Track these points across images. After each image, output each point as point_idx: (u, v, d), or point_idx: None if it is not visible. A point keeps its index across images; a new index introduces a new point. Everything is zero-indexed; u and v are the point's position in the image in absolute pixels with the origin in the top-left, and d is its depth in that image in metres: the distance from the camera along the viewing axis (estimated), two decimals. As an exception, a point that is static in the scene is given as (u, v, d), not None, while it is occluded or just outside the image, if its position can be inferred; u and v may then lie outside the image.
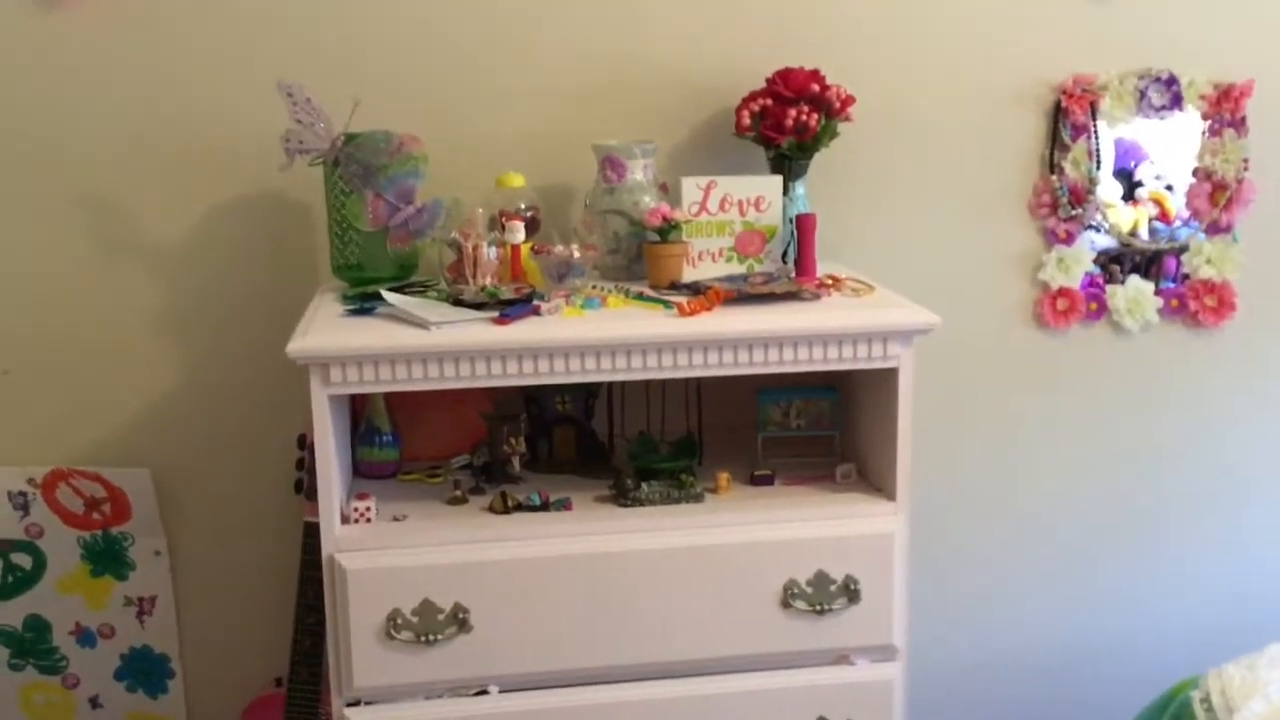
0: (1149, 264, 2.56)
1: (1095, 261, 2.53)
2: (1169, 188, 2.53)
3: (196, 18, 2.25)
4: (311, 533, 2.27)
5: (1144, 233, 2.54)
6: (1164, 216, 2.54)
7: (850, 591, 2.00)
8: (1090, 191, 2.48)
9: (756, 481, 2.13)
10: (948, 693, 2.62)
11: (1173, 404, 2.62)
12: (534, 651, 1.96)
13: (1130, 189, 2.52)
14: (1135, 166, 2.51)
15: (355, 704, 1.95)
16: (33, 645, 2.41)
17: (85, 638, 2.42)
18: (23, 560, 2.38)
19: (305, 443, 2.31)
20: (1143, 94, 2.47)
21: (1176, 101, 2.47)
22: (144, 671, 2.45)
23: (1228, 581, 2.69)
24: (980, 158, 2.47)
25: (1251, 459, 2.67)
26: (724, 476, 2.10)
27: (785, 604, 1.99)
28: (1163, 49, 2.48)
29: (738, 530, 2.00)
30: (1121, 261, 2.55)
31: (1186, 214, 2.53)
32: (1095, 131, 2.46)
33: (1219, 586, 2.69)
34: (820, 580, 2.00)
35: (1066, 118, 2.46)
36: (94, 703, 2.45)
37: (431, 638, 1.91)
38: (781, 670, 2.02)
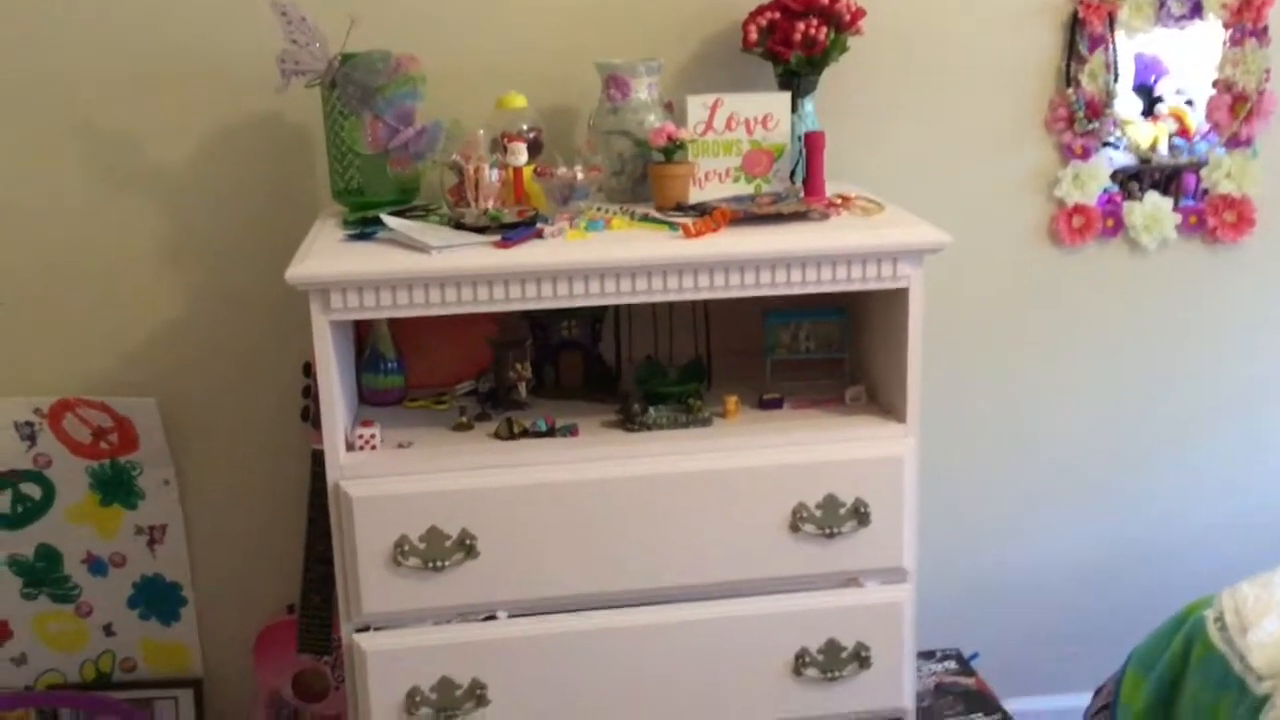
0: (1168, 181, 2.50)
1: (1113, 179, 2.47)
2: (1189, 103, 2.47)
3: (188, -64, 2.20)
4: (320, 460, 2.25)
5: (1164, 149, 2.48)
6: (1184, 132, 2.48)
7: (860, 514, 1.98)
8: (1108, 105, 2.41)
9: (765, 405, 2.10)
10: (957, 614, 2.62)
11: (1189, 322, 2.58)
12: (542, 577, 1.95)
13: (1150, 105, 2.46)
14: (1155, 81, 2.45)
15: (364, 629, 1.95)
16: (45, 574, 2.42)
17: (96, 566, 2.43)
18: (32, 490, 2.39)
19: (311, 370, 2.29)
20: (1162, 3, 2.39)
21: (1197, 10, 2.40)
22: (156, 599, 2.46)
23: (1243, 500, 2.67)
24: (994, 71, 2.41)
25: (1269, 376, 2.63)
26: (732, 400, 2.07)
27: (794, 527, 1.98)
28: (1183, -44, 2.40)
29: (746, 454, 1.98)
30: (1140, 179, 2.49)
31: (1206, 128, 2.47)
32: (1113, 43, 2.40)
33: (1233, 506, 2.67)
34: (829, 503, 1.98)
35: (1083, 28, 2.39)
36: (107, 630, 2.47)
37: (439, 564, 1.91)
38: (791, 593, 2.01)
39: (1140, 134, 2.46)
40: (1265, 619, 1.98)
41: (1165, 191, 2.50)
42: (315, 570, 2.35)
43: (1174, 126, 2.47)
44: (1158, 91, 2.45)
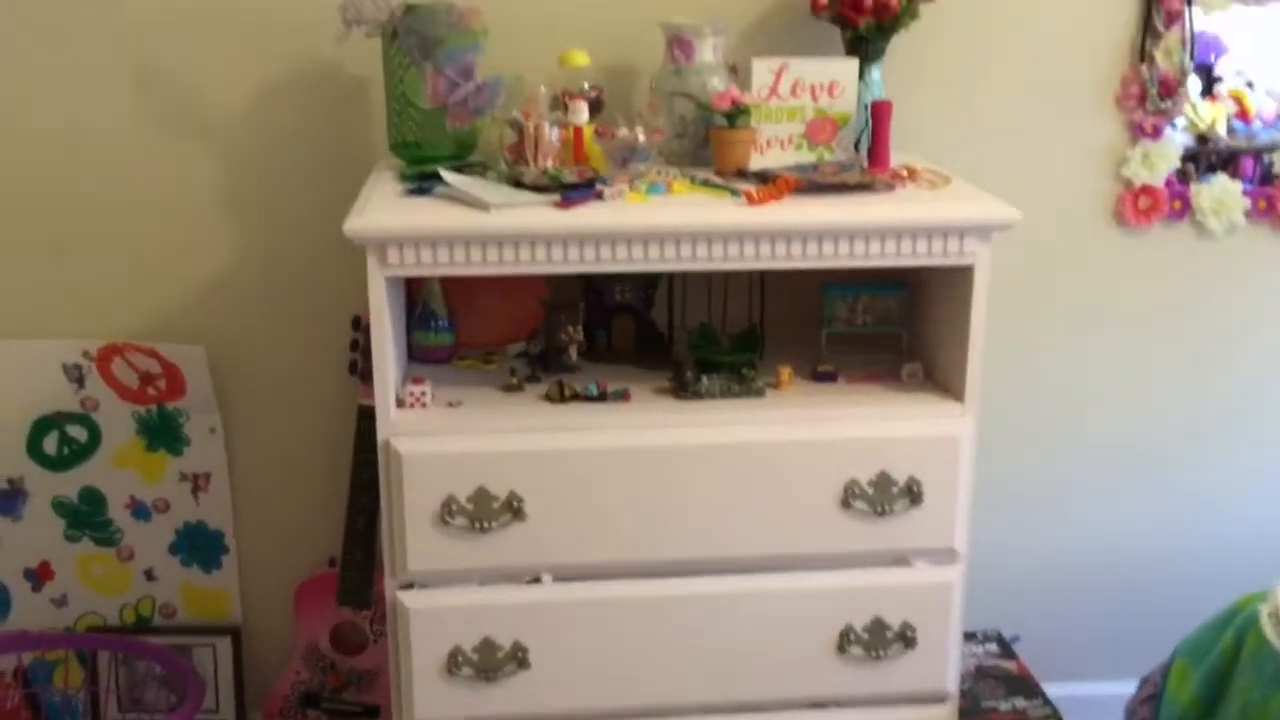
0: (1225, 164, 2.44)
1: (1178, 160, 2.42)
2: (1249, 84, 2.40)
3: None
4: (365, 414, 2.26)
5: (1222, 130, 2.41)
6: (1243, 115, 2.41)
7: (913, 494, 1.95)
8: (1181, 83, 2.35)
9: (819, 378, 2.07)
10: (1000, 595, 2.59)
11: (1255, 309, 2.53)
12: (589, 542, 1.94)
13: (1209, 84, 2.39)
14: (1215, 60, 2.38)
15: (409, 587, 1.94)
16: (89, 517, 2.43)
17: (140, 511, 2.44)
18: (78, 432, 2.39)
19: (360, 324, 2.28)
20: (1243, -21, 2.33)
21: (1280, -11, 2.33)
22: (198, 546, 2.47)
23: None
24: (1066, 45, 2.36)
25: (1336, 366, 2.58)
26: (786, 371, 2.04)
27: (845, 504, 1.95)
28: (1268, -68, 2.33)
29: (799, 427, 1.95)
30: (1197, 160, 2.43)
31: (1271, 114, 2.40)
32: (1190, 19, 2.33)
33: (1293, 499, 2.63)
34: (882, 481, 1.95)
35: (1160, 4, 2.33)
36: (149, 575, 2.47)
37: (486, 525, 1.90)
38: (839, 570, 1.99)
39: (1200, 114, 2.40)
40: (1323, 616, 1.94)
41: (1222, 173, 2.43)
42: (358, 524, 2.35)
43: (1233, 108, 2.41)
44: (1217, 71, 2.39)
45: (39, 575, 2.45)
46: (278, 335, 2.39)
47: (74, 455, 2.40)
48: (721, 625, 1.98)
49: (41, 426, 2.38)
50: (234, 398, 2.41)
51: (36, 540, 2.43)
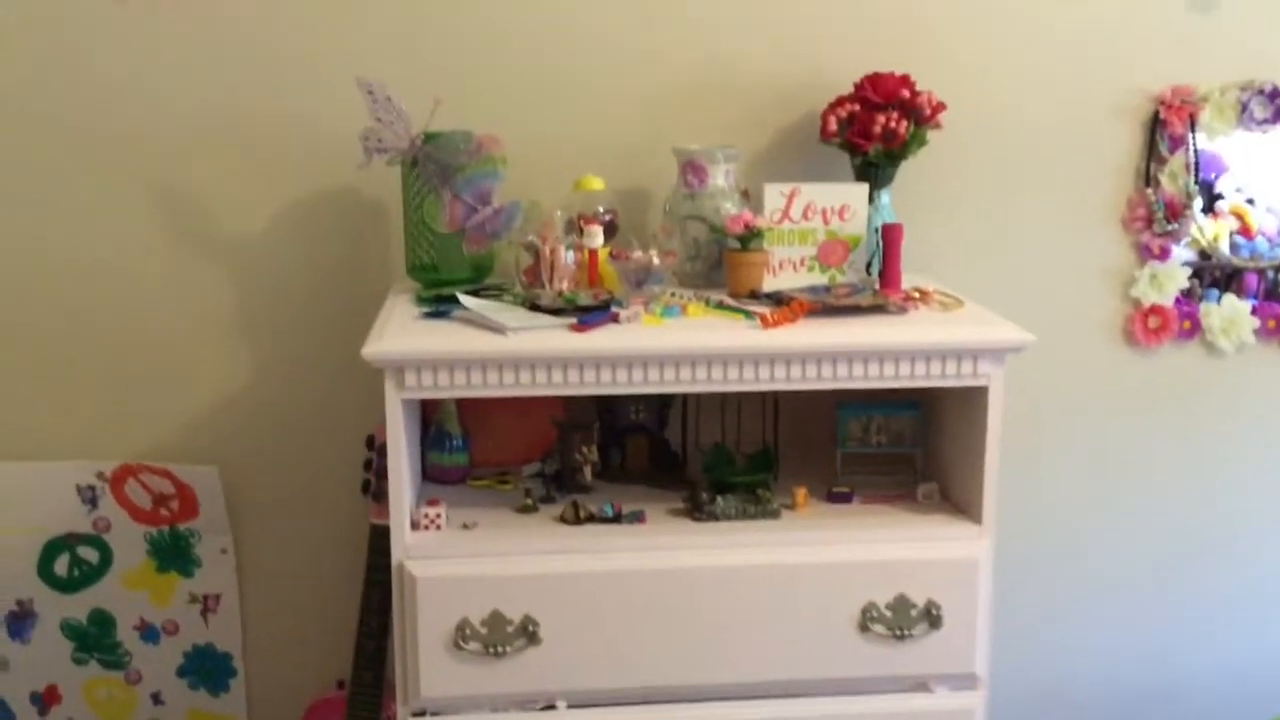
0: (1229, 280, 2.46)
1: (1180, 278, 2.44)
2: (1250, 201, 2.43)
3: (278, 10, 2.23)
4: (378, 535, 2.24)
5: (1225, 247, 2.44)
6: (1245, 231, 2.44)
7: (932, 617, 1.93)
8: (1187, 206, 2.39)
9: (834, 498, 2.07)
10: (1020, 718, 2.54)
11: (1266, 427, 2.53)
12: (604, 667, 1.91)
13: (1210, 201, 2.42)
14: (1215, 178, 2.42)
15: (421, 714, 1.91)
16: (97, 640, 2.40)
17: (149, 634, 2.41)
18: (89, 554, 2.38)
19: (374, 443, 2.28)
20: (1244, 106, 2.37)
21: (1279, 115, 2.38)
22: (206, 669, 2.43)
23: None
24: (1073, 168, 2.40)
25: (1348, 486, 2.57)
26: (802, 492, 2.04)
27: (863, 627, 1.93)
28: (1266, 61, 2.39)
29: (816, 549, 1.94)
30: (1200, 276, 2.45)
31: (1273, 230, 2.43)
32: (1194, 144, 2.37)
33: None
34: (900, 604, 1.93)
35: (1164, 129, 2.38)
36: (156, 699, 2.44)
37: (500, 649, 1.87)
38: (858, 695, 1.96)
39: (1202, 231, 2.43)
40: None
41: (1225, 290, 2.46)
42: (367, 646, 2.32)
43: (1235, 224, 2.44)
44: (1218, 188, 2.42)
45: (45, 699, 2.41)
46: (291, 455, 2.39)
47: (84, 577, 2.38)
48: (739, 753, 1.94)
49: (53, 548, 2.37)
50: (246, 518, 2.40)
51: (44, 663, 2.40)
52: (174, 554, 2.38)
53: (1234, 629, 2.60)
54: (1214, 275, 2.46)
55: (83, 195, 2.28)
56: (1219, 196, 2.43)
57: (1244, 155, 2.41)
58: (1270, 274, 2.46)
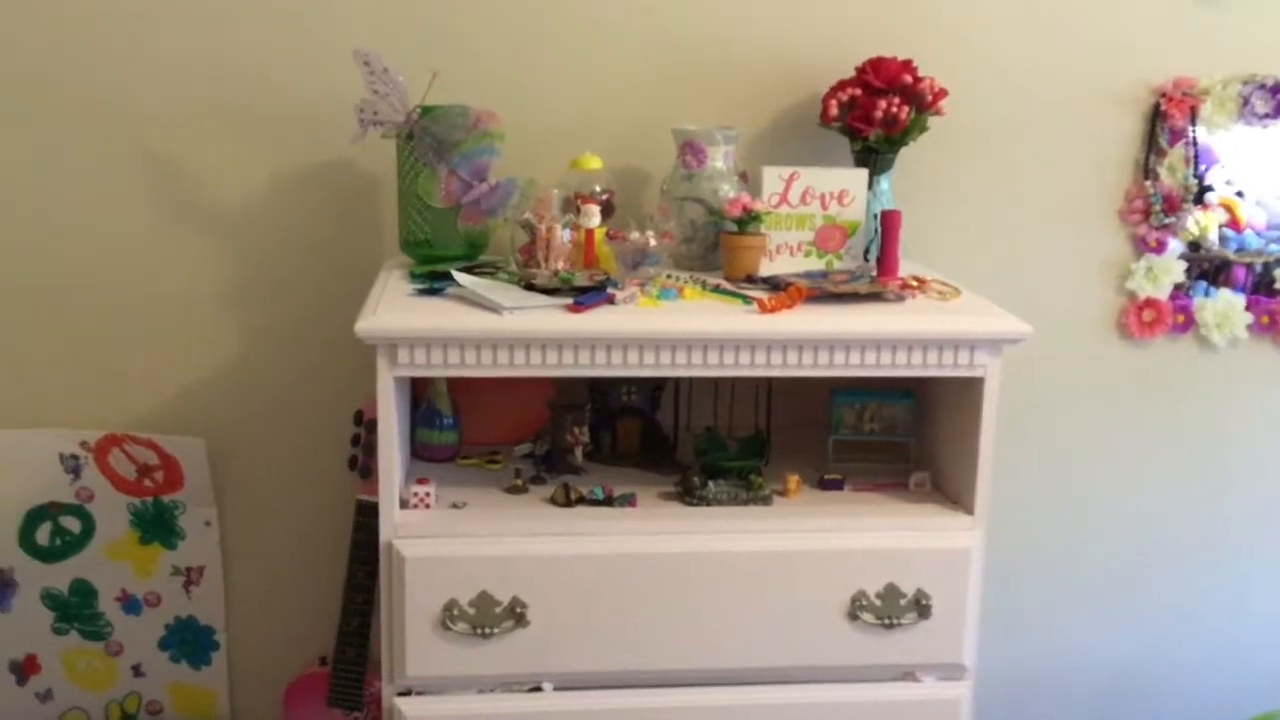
0: (1217, 272, 2.46)
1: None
2: (1239, 194, 2.42)
3: (274, -21, 2.20)
4: (364, 511, 2.23)
5: (1214, 238, 2.43)
6: (1234, 224, 2.44)
7: (921, 606, 1.92)
8: (1185, 199, 2.38)
9: (826, 485, 2.06)
10: (1011, 711, 2.55)
11: (1259, 422, 2.53)
12: (591, 650, 1.90)
13: (1200, 193, 2.42)
14: (1205, 171, 2.40)
15: (406, 693, 1.90)
16: (78, 610, 2.38)
17: (131, 605, 2.39)
18: (71, 524, 2.35)
19: (362, 419, 2.26)
20: (1246, 100, 2.36)
21: (1280, 110, 2.37)
22: (188, 642, 2.42)
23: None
24: (1072, 159, 2.39)
25: (1337, 482, 2.57)
26: (794, 479, 2.03)
27: (852, 615, 1.92)
28: (1269, 55, 2.37)
29: (807, 537, 1.93)
30: (1190, 267, 2.45)
31: (1279, 224, 2.42)
32: (1194, 137, 2.36)
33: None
34: (890, 593, 1.92)
35: (1165, 121, 2.37)
36: (136, 671, 2.42)
37: (488, 630, 1.86)
38: (845, 684, 1.95)
39: (1197, 222, 2.42)
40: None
41: (1214, 282, 2.45)
42: (351, 623, 2.30)
43: (1224, 217, 2.43)
44: (1208, 180, 2.41)
45: (24, 668, 2.39)
46: (278, 429, 2.37)
47: (66, 547, 2.36)
48: (725, 738, 1.94)
49: (35, 517, 2.34)
50: (231, 491, 2.38)
51: (24, 632, 2.37)
52: (157, 525, 2.36)
53: (1226, 621, 2.61)
54: (1202, 267, 2.45)
55: (71, 164, 2.25)
56: (1209, 189, 2.42)
57: (1235, 148, 2.40)
58: (1258, 268, 2.46)
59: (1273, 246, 2.44)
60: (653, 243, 2.01)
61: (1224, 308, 2.45)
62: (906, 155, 2.22)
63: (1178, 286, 2.44)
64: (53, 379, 2.31)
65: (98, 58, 2.21)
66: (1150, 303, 2.44)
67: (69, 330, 2.30)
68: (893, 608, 1.93)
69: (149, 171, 2.26)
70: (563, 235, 1.99)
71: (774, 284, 2.01)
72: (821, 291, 1.95)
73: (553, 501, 1.97)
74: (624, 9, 2.25)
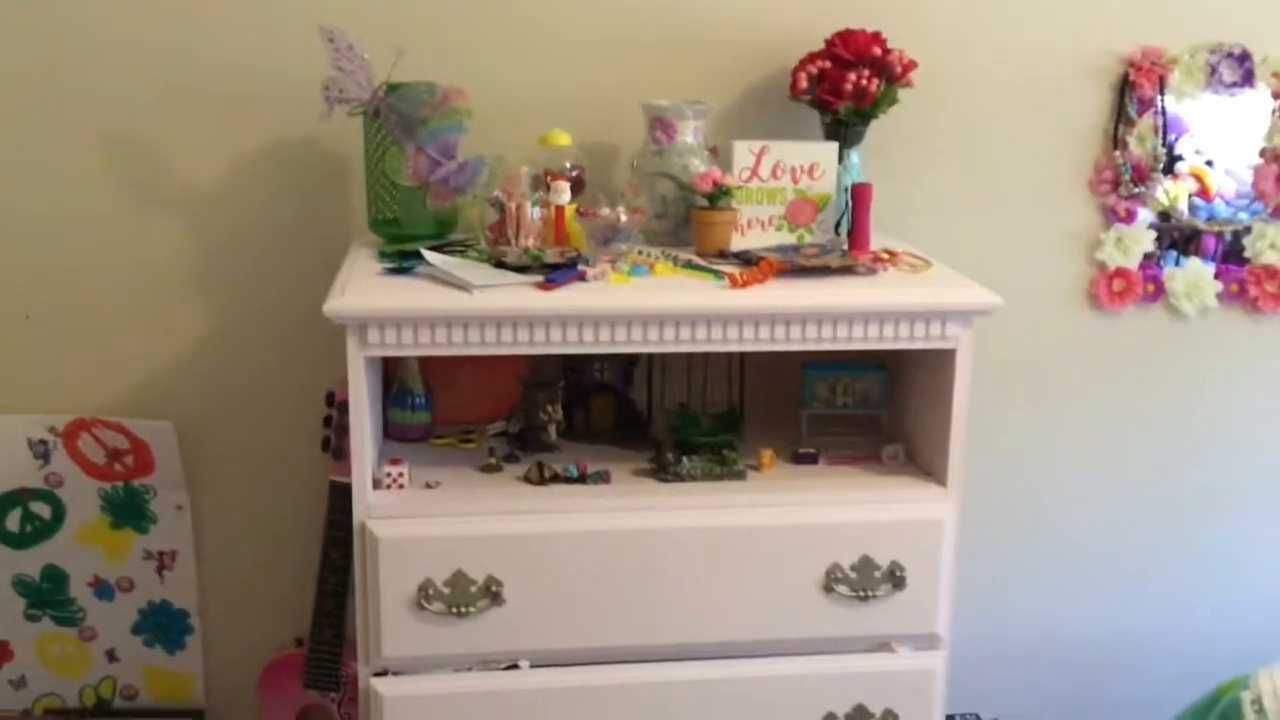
0: (1187, 241, 2.46)
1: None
2: (1209, 163, 2.43)
3: (235, -45, 2.17)
4: (337, 492, 2.21)
5: (1184, 207, 2.44)
6: (1204, 193, 2.45)
7: (895, 578, 1.93)
8: (1154, 169, 2.39)
9: (800, 459, 2.06)
10: (986, 681, 2.57)
11: (1229, 391, 2.55)
12: (567, 627, 1.90)
13: (1170, 163, 2.42)
14: (1174, 140, 2.41)
15: (383, 674, 1.89)
16: (50, 596, 2.37)
17: (103, 590, 2.38)
18: (42, 509, 2.33)
19: (333, 400, 2.25)
20: (1214, 69, 2.37)
21: (1248, 78, 2.38)
22: (162, 626, 2.41)
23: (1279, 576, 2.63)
24: (1041, 130, 2.39)
25: (1307, 448, 2.60)
26: (767, 454, 2.03)
27: (827, 588, 1.93)
28: (1236, 24, 2.38)
29: (781, 511, 1.93)
30: (1160, 237, 2.45)
31: (1248, 192, 2.43)
32: (1162, 107, 2.37)
33: (1270, 581, 2.63)
34: (865, 565, 1.93)
35: (1133, 91, 2.37)
36: (111, 656, 2.41)
37: (463, 609, 1.86)
38: (821, 655, 1.96)
39: (1166, 192, 2.43)
40: (1304, 703, 1.94)
41: (1184, 251, 2.46)
42: (326, 604, 2.29)
43: (1194, 186, 2.44)
44: (1178, 150, 2.42)
45: (-3, 656, 2.38)
46: (249, 411, 2.35)
47: (37, 533, 2.34)
48: (702, 713, 1.94)
49: (4, 503, 2.32)
50: (203, 474, 2.37)
51: (-5, 619, 2.36)
52: (129, 510, 2.35)
53: (1196, 590, 2.63)
54: (1173, 237, 2.46)
55: (34, 146, 2.21)
56: (1179, 158, 2.42)
57: (1204, 117, 2.41)
58: (1228, 236, 2.47)
59: (1242, 215, 2.45)
60: (623, 219, 2.00)
61: (1194, 277, 2.46)
62: (876, 128, 2.22)
63: (1148, 256, 2.45)
64: (19, 364, 2.29)
65: (58, 39, 2.17)
66: (1120, 272, 2.45)
67: (35, 315, 2.28)
68: (867, 580, 1.93)
69: (113, 154, 2.23)
70: (533, 212, 1.98)
71: (746, 259, 2.00)
72: (793, 266, 1.95)
73: (527, 480, 1.96)
74: (592, -17, 2.24)
